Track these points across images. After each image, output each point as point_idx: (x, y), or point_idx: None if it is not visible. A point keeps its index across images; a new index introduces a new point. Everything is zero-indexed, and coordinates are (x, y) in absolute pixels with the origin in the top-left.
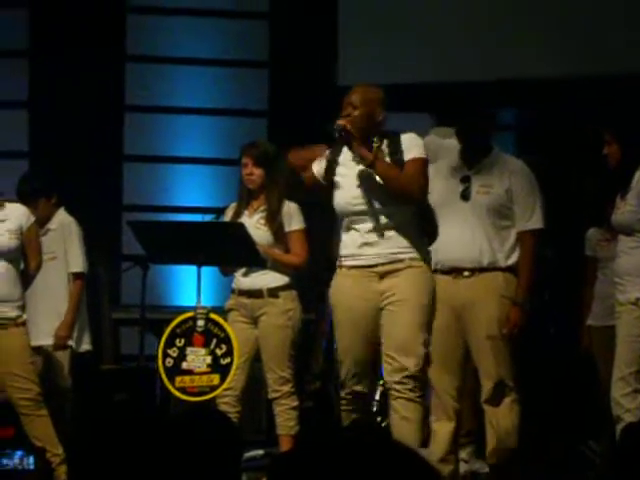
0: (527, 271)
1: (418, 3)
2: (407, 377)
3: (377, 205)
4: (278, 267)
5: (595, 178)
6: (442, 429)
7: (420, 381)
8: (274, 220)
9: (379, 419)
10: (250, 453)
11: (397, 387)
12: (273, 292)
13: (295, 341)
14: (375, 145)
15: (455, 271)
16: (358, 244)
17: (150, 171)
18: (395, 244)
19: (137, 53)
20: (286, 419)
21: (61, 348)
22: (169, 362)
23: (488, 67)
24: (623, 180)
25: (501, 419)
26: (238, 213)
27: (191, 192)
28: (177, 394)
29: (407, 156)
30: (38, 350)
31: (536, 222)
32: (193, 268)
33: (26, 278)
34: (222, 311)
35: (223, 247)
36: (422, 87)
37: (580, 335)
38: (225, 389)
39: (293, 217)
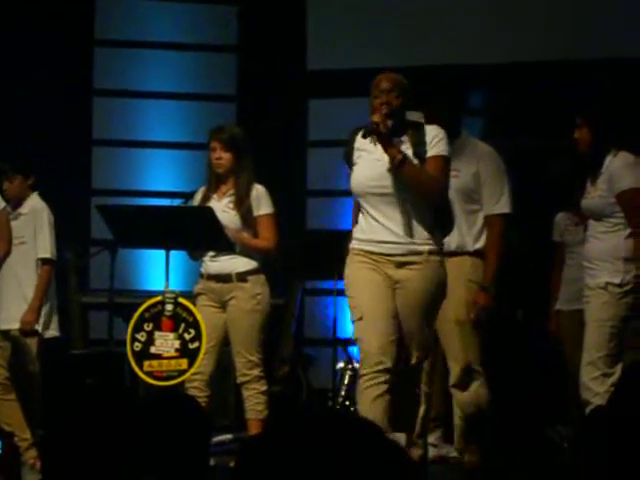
0: (494, 255)
1: None
2: (411, 366)
3: (395, 190)
4: (247, 251)
5: (561, 161)
6: None
7: (418, 373)
8: (242, 204)
9: (347, 404)
10: (219, 437)
11: (406, 374)
12: (242, 276)
13: (264, 325)
14: (404, 144)
15: None
16: (377, 229)
17: (119, 155)
18: (413, 234)
19: (106, 37)
20: (255, 403)
21: (28, 334)
22: (137, 346)
23: (457, 51)
24: (593, 165)
25: (468, 403)
26: (207, 197)
27: (160, 176)
28: (145, 378)
29: (430, 151)
30: (6, 334)
31: (503, 206)
32: (162, 252)
33: None
34: (191, 295)
35: (192, 231)
36: (391, 71)
37: (548, 320)
38: (194, 373)
39: (261, 201)
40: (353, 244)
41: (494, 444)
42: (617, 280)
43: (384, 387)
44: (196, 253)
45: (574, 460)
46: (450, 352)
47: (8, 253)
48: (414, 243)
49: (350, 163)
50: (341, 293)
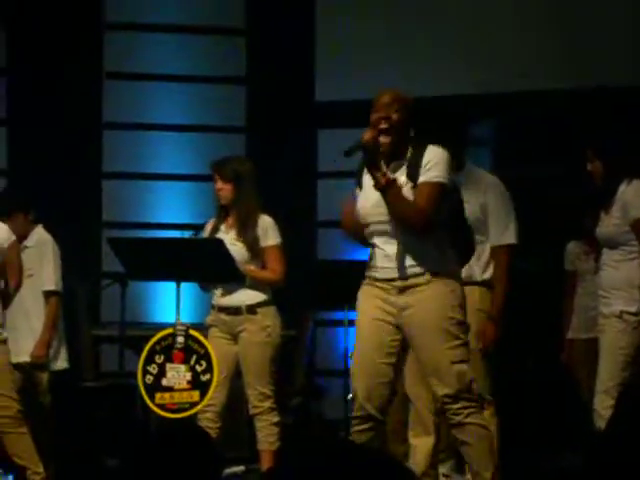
0: (501, 286)
1: (393, 20)
2: (448, 402)
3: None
4: (256, 284)
5: (571, 190)
6: (421, 444)
7: (467, 400)
8: (244, 235)
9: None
10: (231, 469)
11: (447, 415)
12: (251, 309)
13: (275, 357)
14: (403, 165)
15: None
16: (379, 255)
17: (129, 188)
18: (414, 257)
19: (115, 70)
20: (267, 434)
21: (39, 367)
22: (149, 379)
23: (464, 81)
24: (606, 194)
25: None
26: (216, 229)
27: (170, 208)
28: (157, 411)
29: (423, 176)
30: (17, 367)
31: (510, 237)
32: (172, 284)
33: (6, 296)
34: (202, 327)
35: (202, 263)
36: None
37: (560, 348)
38: (206, 405)
39: (268, 232)
40: (366, 271)
41: (504, 472)
42: (633, 309)
43: (370, 434)
44: (207, 285)
45: None
46: None
47: (19, 286)
48: (413, 266)
49: (360, 185)
50: (352, 323)
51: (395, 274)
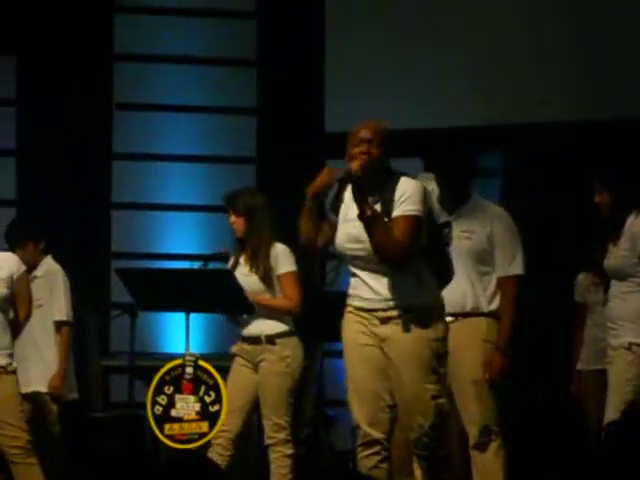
0: (508, 317)
1: (403, 50)
2: (425, 434)
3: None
4: (271, 313)
5: (579, 221)
6: None
7: (435, 434)
8: (255, 267)
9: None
10: None
11: (416, 447)
12: (271, 339)
13: (293, 388)
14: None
15: None
16: (360, 286)
17: (138, 218)
18: (395, 290)
19: (125, 101)
20: (279, 466)
21: (55, 398)
22: (158, 410)
23: (473, 112)
24: (614, 225)
25: (488, 464)
26: (237, 261)
27: (179, 239)
28: (166, 442)
29: (398, 208)
30: (26, 397)
31: (517, 268)
32: (181, 315)
33: (16, 326)
34: (211, 358)
35: (211, 294)
36: (410, 133)
37: (570, 380)
38: (220, 431)
39: (280, 259)
40: (347, 300)
41: None
42: None
43: (377, 458)
44: (232, 316)
45: None
46: (467, 414)
47: (29, 316)
48: (394, 299)
49: (336, 214)
50: None
51: (376, 305)
